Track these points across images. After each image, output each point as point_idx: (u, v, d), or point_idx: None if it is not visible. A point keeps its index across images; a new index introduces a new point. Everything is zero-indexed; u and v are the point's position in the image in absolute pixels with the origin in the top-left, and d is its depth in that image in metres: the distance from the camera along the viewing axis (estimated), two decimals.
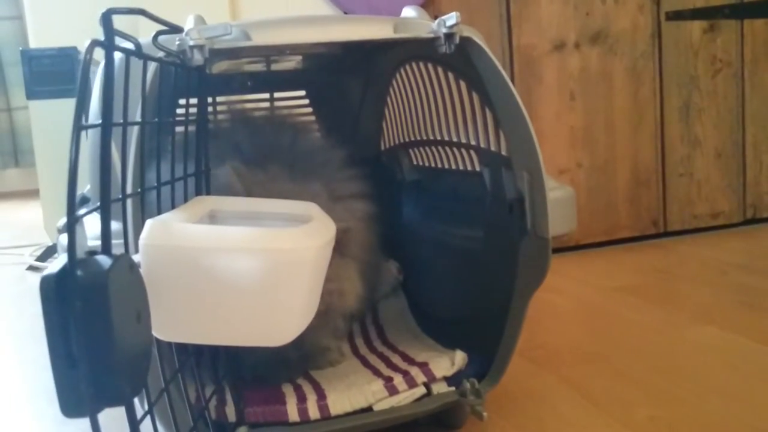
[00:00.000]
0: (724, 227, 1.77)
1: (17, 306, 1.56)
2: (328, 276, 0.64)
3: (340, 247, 0.76)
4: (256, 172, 0.81)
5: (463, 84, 0.87)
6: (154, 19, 0.52)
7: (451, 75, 0.89)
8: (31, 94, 2.01)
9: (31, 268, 1.92)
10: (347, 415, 0.75)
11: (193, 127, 0.68)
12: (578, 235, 1.63)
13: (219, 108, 0.90)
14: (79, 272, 0.37)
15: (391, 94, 1.08)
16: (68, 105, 1.99)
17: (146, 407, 0.50)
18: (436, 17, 0.75)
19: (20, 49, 2.06)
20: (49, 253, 1.95)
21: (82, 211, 0.42)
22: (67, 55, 1.99)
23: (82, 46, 1.98)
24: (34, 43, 2.13)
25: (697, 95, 1.71)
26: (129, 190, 0.53)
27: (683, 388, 0.89)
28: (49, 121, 2.02)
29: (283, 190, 0.78)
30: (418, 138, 1.03)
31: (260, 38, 0.68)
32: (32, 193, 2.98)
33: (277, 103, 1.17)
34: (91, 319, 0.36)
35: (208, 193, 0.70)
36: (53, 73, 1.99)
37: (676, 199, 1.72)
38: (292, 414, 0.74)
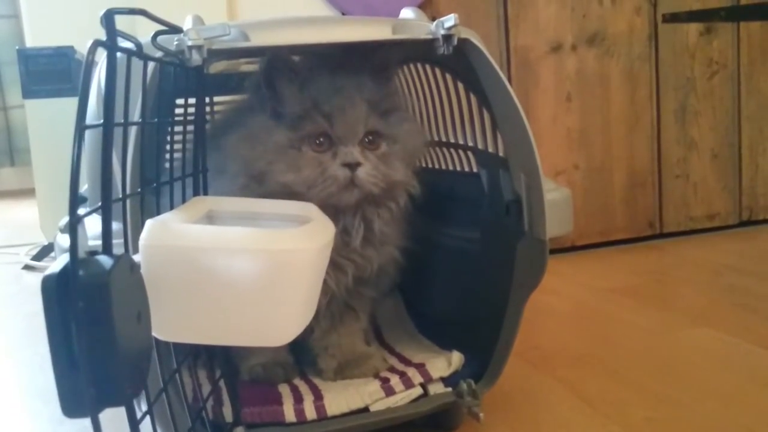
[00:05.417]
0: (720, 229, 1.77)
1: (12, 305, 1.55)
2: None
3: None
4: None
5: (460, 85, 0.87)
6: (154, 20, 0.52)
7: (448, 76, 0.89)
8: (27, 94, 2.00)
9: (27, 267, 1.91)
10: (344, 415, 0.75)
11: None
12: (574, 237, 1.64)
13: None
14: (80, 272, 0.37)
15: None
16: (65, 104, 1.98)
17: (145, 408, 0.50)
18: (433, 18, 0.75)
19: (17, 48, 2.06)
20: (44, 252, 1.94)
21: (82, 211, 0.42)
22: (63, 54, 1.99)
23: (79, 45, 1.98)
24: (30, 42, 2.12)
25: (694, 97, 1.72)
26: (128, 190, 0.53)
27: (678, 389, 0.89)
28: (45, 120, 2.01)
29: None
30: None
31: (258, 39, 0.68)
32: (28, 192, 2.96)
33: None
34: (92, 320, 0.36)
35: (205, 194, 0.70)
36: (50, 72, 1.98)
37: (671, 200, 1.73)
38: (289, 414, 0.74)
